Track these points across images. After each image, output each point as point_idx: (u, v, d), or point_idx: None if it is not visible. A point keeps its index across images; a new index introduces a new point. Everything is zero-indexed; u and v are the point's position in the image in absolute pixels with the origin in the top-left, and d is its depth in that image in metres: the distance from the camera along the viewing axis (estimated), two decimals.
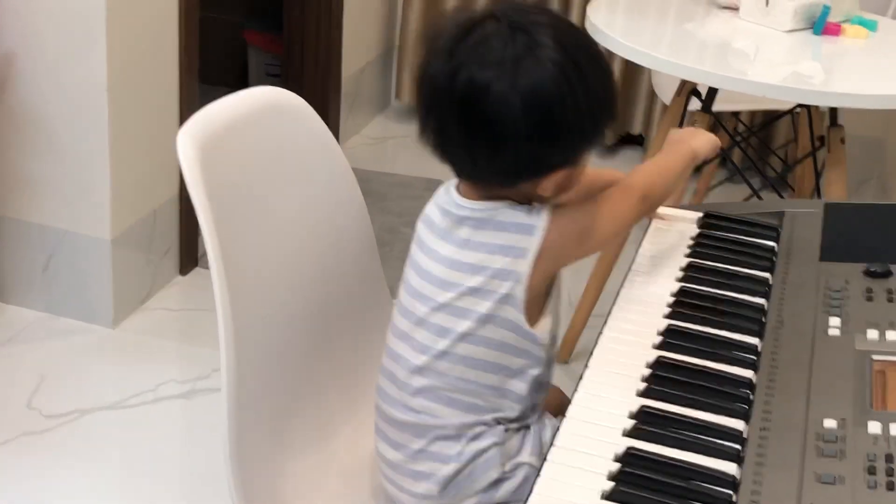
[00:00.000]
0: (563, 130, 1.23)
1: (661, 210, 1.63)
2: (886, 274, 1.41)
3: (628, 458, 1.11)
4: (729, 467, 1.09)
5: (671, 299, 1.40)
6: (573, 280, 2.71)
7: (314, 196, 1.48)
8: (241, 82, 3.84)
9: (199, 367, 2.53)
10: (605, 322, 1.36)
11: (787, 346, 1.29)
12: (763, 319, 1.36)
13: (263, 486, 1.36)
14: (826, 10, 2.34)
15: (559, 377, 1.45)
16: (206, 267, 1.27)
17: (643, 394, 1.21)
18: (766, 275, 1.47)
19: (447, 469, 1.34)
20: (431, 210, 1.35)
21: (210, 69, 3.10)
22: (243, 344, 1.30)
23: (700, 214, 1.63)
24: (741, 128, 3.38)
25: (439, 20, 1.28)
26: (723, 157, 3.03)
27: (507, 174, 1.27)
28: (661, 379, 1.24)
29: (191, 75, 2.76)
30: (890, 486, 1.03)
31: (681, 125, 2.58)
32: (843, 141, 2.34)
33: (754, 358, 1.27)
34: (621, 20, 2.36)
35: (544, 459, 1.11)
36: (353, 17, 3.62)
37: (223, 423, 1.28)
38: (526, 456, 1.35)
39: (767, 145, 3.65)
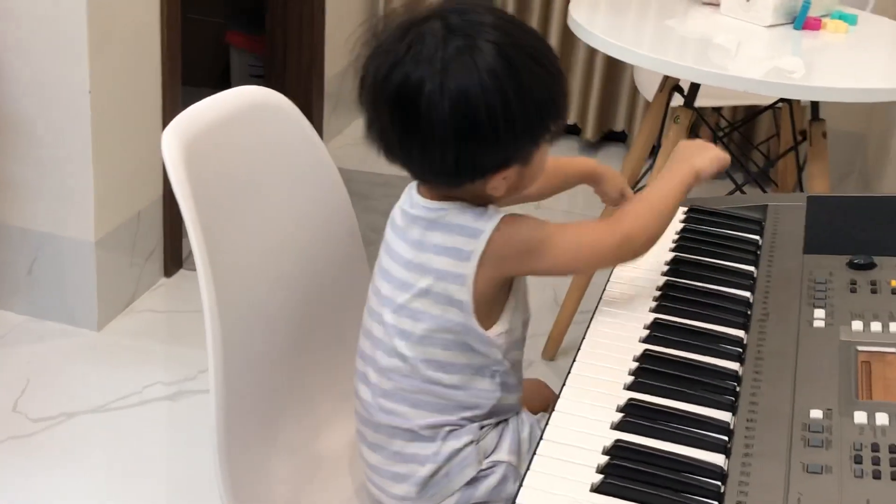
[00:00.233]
0: (496, 133, 1.20)
1: None
2: (870, 265, 1.42)
3: (616, 451, 1.11)
4: (717, 458, 1.09)
5: (657, 293, 1.41)
6: (559, 278, 2.71)
7: (300, 194, 1.48)
8: (224, 84, 3.82)
9: (186, 368, 2.52)
10: (592, 317, 1.36)
11: (773, 338, 1.29)
12: (748, 312, 1.36)
13: (252, 486, 1.36)
14: (806, 5, 2.35)
15: (545, 374, 1.45)
16: (191, 269, 1.27)
17: (630, 387, 1.22)
18: (751, 268, 1.47)
19: (424, 470, 1.34)
20: (395, 210, 1.35)
21: (192, 71, 3.09)
22: (230, 343, 1.29)
23: (684, 209, 1.64)
24: (723, 123, 3.39)
25: (382, 18, 1.27)
26: None
27: (448, 175, 1.25)
28: (648, 372, 1.24)
29: (173, 77, 2.75)
30: (876, 475, 1.04)
31: (663, 122, 2.60)
32: (824, 135, 2.35)
33: (740, 350, 1.28)
34: (603, 17, 2.37)
35: (534, 454, 1.12)
36: (335, 18, 3.62)
37: (212, 424, 1.28)
38: (504, 454, 1.35)
39: (750, 141, 3.67)
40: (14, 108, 2.50)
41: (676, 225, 1.59)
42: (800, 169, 2.73)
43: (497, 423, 1.36)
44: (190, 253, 1.26)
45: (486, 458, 1.34)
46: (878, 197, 1.72)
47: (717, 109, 3.19)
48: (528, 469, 1.10)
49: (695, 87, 2.39)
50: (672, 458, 1.10)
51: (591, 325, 1.34)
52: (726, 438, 1.12)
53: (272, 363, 1.44)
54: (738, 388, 1.20)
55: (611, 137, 4.00)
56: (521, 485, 1.08)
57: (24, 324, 2.64)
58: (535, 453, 1.12)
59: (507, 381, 1.35)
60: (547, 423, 1.16)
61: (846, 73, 2.21)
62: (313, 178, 1.50)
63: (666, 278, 1.44)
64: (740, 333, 1.32)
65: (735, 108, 3.62)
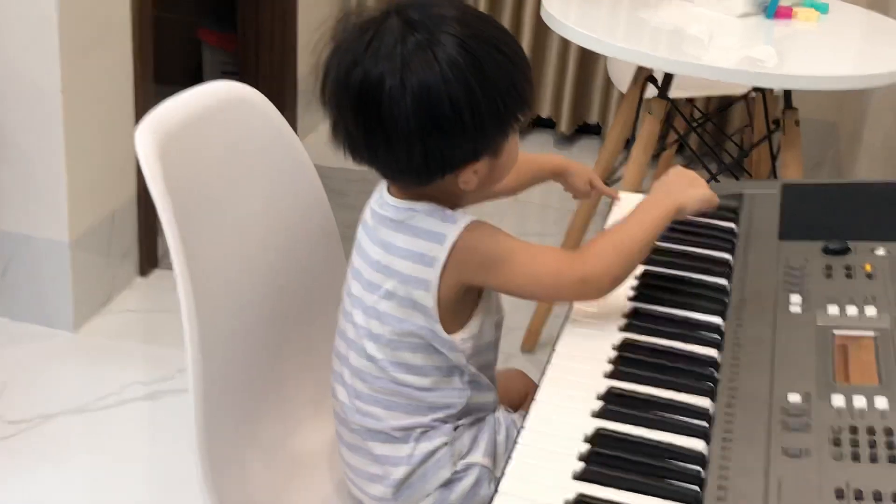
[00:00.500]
0: (462, 125, 1.19)
1: (622, 195, 1.65)
2: (844, 251, 1.43)
3: (598, 439, 1.11)
4: (697, 444, 1.10)
5: (635, 282, 1.41)
6: None
7: (275, 190, 1.48)
8: (196, 81, 3.80)
9: (164, 368, 2.51)
10: (570, 307, 1.37)
11: (750, 325, 1.30)
12: (726, 299, 1.37)
13: (233, 484, 1.36)
14: None
15: (524, 366, 1.45)
16: (167, 268, 1.27)
17: (610, 375, 1.22)
18: (727, 255, 1.48)
19: (398, 472, 1.34)
20: (366, 209, 1.35)
21: (164, 69, 3.08)
22: (208, 342, 1.29)
23: None
24: (697, 114, 3.40)
25: (342, 18, 1.26)
26: (680, 143, 3.05)
27: (416, 172, 1.24)
28: (627, 360, 1.25)
29: (145, 75, 2.74)
30: (855, 457, 1.04)
31: (637, 113, 2.60)
32: (797, 123, 2.37)
33: (718, 337, 1.29)
34: (576, 9, 2.37)
35: (515, 443, 1.12)
36: (307, 14, 3.61)
37: (191, 424, 1.27)
38: (479, 456, 1.35)
39: (723, 131, 3.69)
40: None
41: None
42: (773, 158, 2.75)
43: (472, 424, 1.36)
44: (166, 252, 1.25)
45: (461, 459, 1.34)
46: (852, 183, 1.74)
47: (691, 100, 3.20)
48: (508, 458, 1.10)
49: (668, 78, 2.40)
50: (653, 444, 1.10)
51: (570, 316, 1.35)
52: (706, 424, 1.13)
53: (251, 361, 1.44)
54: (717, 375, 1.21)
55: (585, 130, 4.01)
56: (503, 472, 1.08)
57: None
58: (516, 442, 1.12)
59: (478, 380, 1.34)
60: (528, 413, 1.17)
61: (818, 61, 2.22)
62: (289, 173, 1.49)
63: (644, 267, 1.45)
64: (718, 320, 1.32)
65: (709, 99, 3.63)
